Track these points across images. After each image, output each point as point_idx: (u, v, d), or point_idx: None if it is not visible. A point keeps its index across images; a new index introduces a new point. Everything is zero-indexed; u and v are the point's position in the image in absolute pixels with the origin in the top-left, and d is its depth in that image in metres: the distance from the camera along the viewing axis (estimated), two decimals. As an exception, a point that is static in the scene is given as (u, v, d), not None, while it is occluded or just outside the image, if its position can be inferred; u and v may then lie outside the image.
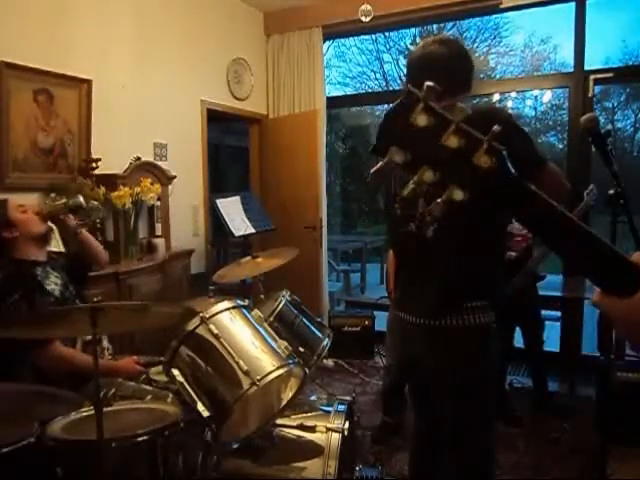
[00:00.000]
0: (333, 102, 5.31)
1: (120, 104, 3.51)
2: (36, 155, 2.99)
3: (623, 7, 6.84)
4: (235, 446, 1.74)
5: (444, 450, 1.63)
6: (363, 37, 9.07)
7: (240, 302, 1.87)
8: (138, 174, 3.36)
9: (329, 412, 1.91)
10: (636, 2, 6.35)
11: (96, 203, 2.89)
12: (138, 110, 3.65)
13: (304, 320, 2.25)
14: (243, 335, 1.75)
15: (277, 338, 1.81)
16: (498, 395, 3.00)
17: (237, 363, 1.62)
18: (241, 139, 6.87)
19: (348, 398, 2.08)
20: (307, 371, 1.88)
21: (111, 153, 3.31)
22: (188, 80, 4.12)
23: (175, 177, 3.75)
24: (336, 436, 1.79)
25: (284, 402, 1.86)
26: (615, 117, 9.75)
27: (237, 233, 3.73)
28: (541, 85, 5.31)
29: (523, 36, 9.76)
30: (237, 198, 3.92)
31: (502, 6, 4.07)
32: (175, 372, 1.71)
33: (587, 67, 4.00)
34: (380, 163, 0.63)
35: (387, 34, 9.38)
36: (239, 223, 3.78)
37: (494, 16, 8.32)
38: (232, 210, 3.80)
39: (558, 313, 3.93)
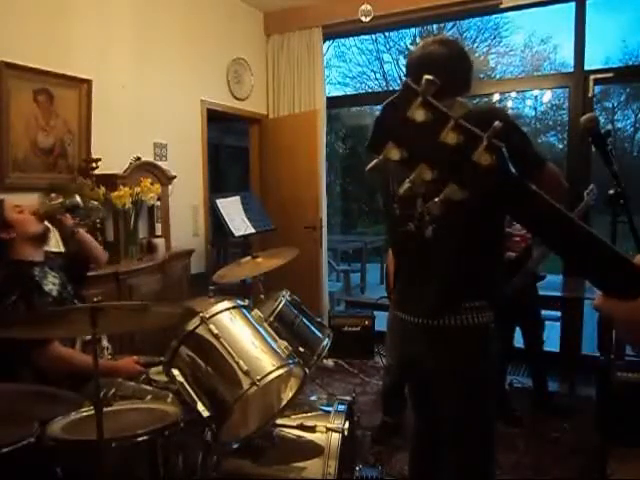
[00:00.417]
0: (333, 102, 5.31)
1: (120, 104, 3.51)
2: (36, 155, 2.99)
3: (623, 7, 6.85)
4: (235, 446, 1.74)
5: (444, 450, 1.63)
6: (363, 37, 9.07)
7: (240, 302, 1.87)
8: (138, 174, 3.36)
9: (329, 412, 1.91)
10: (636, 2, 6.35)
11: (96, 203, 2.89)
12: (138, 110, 3.65)
13: (304, 320, 2.25)
14: (243, 335, 1.75)
15: (277, 338, 1.81)
16: (498, 395, 3.00)
17: (237, 363, 1.62)
18: (241, 139, 6.87)
19: (348, 398, 2.08)
20: (307, 371, 1.88)
21: (111, 153, 3.31)
22: (188, 80, 4.12)
23: (175, 177, 3.75)
24: (336, 436, 1.79)
25: (284, 402, 1.86)
26: (615, 117, 9.76)
27: (237, 233, 3.73)
28: (541, 85, 5.31)
29: (523, 36, 9.78)
30: (237, 198, 3.92)
31: (502, 6, 4.07)
32: (175, 372, 1.71)
33: (587, 67, 4.00)
34: (376, 160, 0.61)
35: (387, 34, 9.39)
36: (239, 223, 3.78)
37: (494, 16, 8.33)
38: (232, 210, 3.80)
39: (558, 313, 3.93)
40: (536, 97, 9.52)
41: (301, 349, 2.04)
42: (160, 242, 3.56)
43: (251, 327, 1.80)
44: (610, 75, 4.17)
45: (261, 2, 4.71)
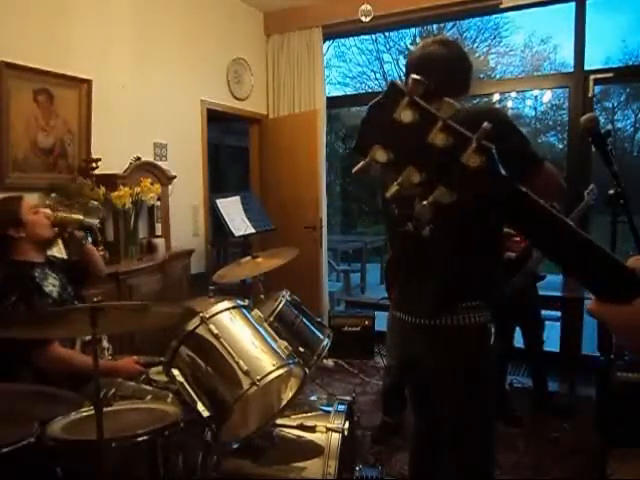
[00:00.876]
0: (333, 102, 5.31)
1: (120, 104, 3.51)
2: (36, 155, 2.99)
3: (623, 7, 6.85)
4: (235, 446, 1.74)
5: (444, 450, 1.63)
6: (363, 37, 9.08)
7: (240, 302, 1.88)
8: (138, 174, 3.36)
9: (329, 412, 1.91)
10: (636, 2, 6.36)
11: (96, 203, 2.90)
12: (138, 110, 3.65)
13: (304, 320, 2.25)
14: (243, 335, 1.75)
15: (277, 338, 1.81)
16: (498, 395, 3.00)
17: (237, 363, 1.62)
18: (241, 139, 6.87)
19: (348, 398, 2.08)
20: (307, 371, 1.88)
21: (111, 153, 3.31)
22: (188, 80, 4.12)
23: (175, 177, 3.75)
24: (336, 436, 1.80)
25: (284, 402, 1.86)
26: (615, 117, 9.76)
27: (237, 233, 3.73)
28: (541, 85, 5.31)
29: (523, 36, 9.78)
30: (237, 198, 3.92)
31: (502, 6, 4.07)
32: (175, 372, 1.71)
33: (587, 67, 4.00)
34: (362, 162, 0.59)
35: (387, 34, 9.39)
36: (239, 223, 3.78)
37: (494, 16, 8.33)
38: (232, 210, 3.80)
39: (558, 313, 3.93)
40: (536, 97, 9.53)
41: (301, 349, 2.04)
42: (160, 242, 3.56)
43: (251, 327, 1.80)
44: (610, 75, 4.17)
45: (261, 2, 4.71)
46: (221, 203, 3.76)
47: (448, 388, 1.55)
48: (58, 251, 2.47)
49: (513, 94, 8.19)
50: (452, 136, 0.56)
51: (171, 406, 1.70)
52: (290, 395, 1.86)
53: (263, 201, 4.64)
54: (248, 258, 2.81)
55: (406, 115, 0.56)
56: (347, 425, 1.85)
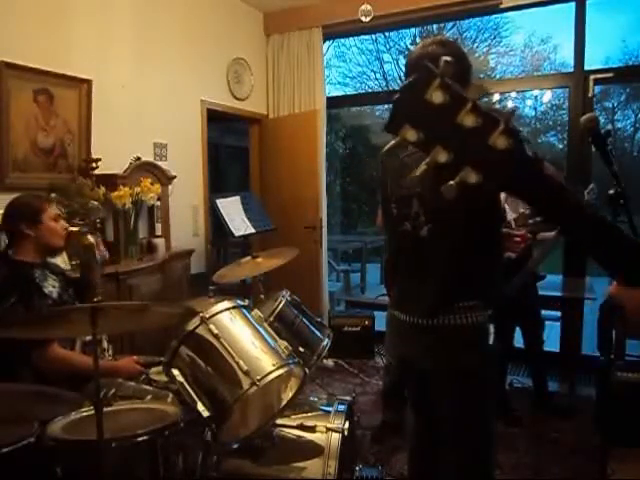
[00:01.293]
0: (333, 102, 5.31)
1: (120, 104, 3.51)
2: (36, 155, 2.99)
3: (623, 7, 6.85)
4: (235, 446, 1.74)
5: (443, 450, 1.62)
6: (363, 37, 9.08)
7: (240, 302, 1.88)
8: (138, 174, 3.36)
9: (329, 412, 1.92)
10: (636, 2, 6.36)
11: (96, 203, 2.90)
12: (138, 110, 3.65)
13: (304, 320, 2.25)
14: (243, 335, 1.75)
15: (277, 338, 1.81)
16: (498, 395, 3.00)
17: (237, 363, 1.62)
18: (241, 139, 6.87)
19: (348, 398, 2.08)
20: (307, 371, 1.88)
21: (111, 153, 3.31)
22: (188, 80, 4.12)
23: (175, 177, 3.75)
24: (336, 436, 1.80)
25: (284, 402, 1.86)
26: (615, 117, 9.77)
27: (237, 233, 3.73)
28: (541, 85, 5.31)
29: (523, 36, 9.78)
30: (237, 198, 3.92)
31: (502, 6, 4.07)
32: (175, 372, 1.71)
33: (587, 67, 4.00)
34: (392, 141, 0.61)
35: (387, 34, 9.38)
36: (239, 223, 3.78)
37: (494, 16, 8.34)
38: (232, 210, 3.81)
39: (558, 313, 3.93)
40: (536, 97, 9.53)
41: (301, 349, 2.04)
42: (160, 242, 3.56)
43: (251, 327, 1.80)
44: (610, 75, 4.17)
45: (261, 2, 4.71)
46: (221, 203, 3.76)
47: (446, 388, 1.55)
48: (61, 260, 2.48)
49: (513, 94, 8.17)
50: (481, 118, 0.57)
51: (171, 406, 1.70)
52: (290, 395, 1.86)
53: (263, 201, 4.64)
54: (248, 258, 2.81)
55: (437, 96, 0.57)
56: (347, 425, 1.85)
